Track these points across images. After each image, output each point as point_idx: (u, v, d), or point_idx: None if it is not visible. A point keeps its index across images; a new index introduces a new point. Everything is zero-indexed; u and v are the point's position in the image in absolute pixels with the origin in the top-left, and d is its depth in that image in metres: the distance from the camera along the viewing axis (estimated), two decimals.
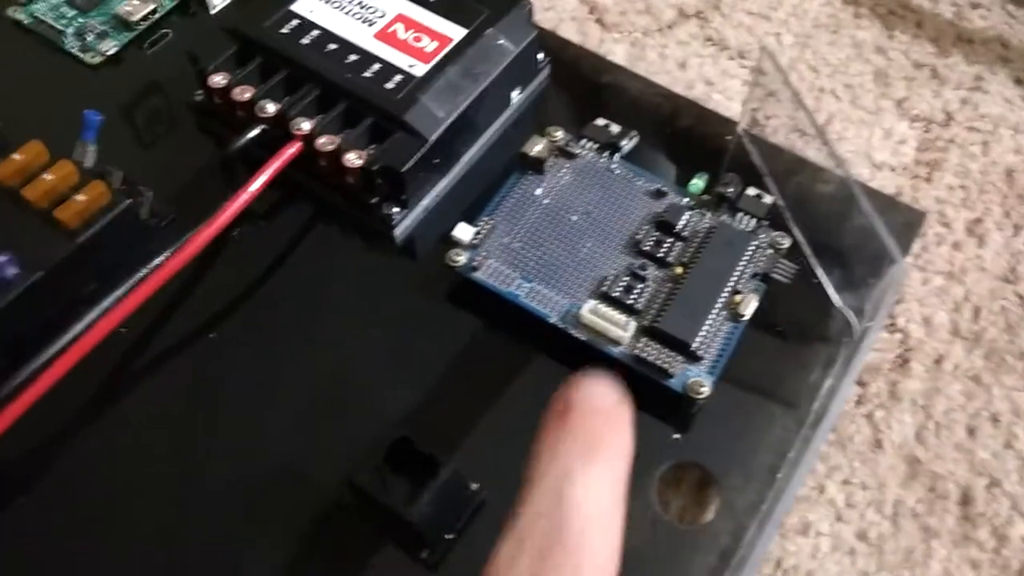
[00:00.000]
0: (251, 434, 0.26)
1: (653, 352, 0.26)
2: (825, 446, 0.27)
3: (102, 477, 0.25)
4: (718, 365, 0.26)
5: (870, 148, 0.34)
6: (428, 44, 0.31)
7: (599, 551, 0.18)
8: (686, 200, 0.30)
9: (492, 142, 0.32)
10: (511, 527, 0.18)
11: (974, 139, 0.34)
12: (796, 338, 0.28)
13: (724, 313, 0.27)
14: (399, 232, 0.30)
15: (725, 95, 0.36)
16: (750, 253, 0.28)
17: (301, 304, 0.29)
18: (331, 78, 0.30)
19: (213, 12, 0.36)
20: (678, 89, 0.35)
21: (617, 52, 0.37)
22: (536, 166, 0.30)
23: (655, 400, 0.26)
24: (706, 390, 0.25)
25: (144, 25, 0.35)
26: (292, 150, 0.29)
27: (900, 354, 0.29)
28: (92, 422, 0.26)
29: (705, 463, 0.26)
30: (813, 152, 0.30)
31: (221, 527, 0.25)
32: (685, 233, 0.29)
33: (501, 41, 0.31)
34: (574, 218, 0.29)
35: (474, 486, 0.24)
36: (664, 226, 0.29)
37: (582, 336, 0.27)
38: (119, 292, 0.28)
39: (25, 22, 0.35)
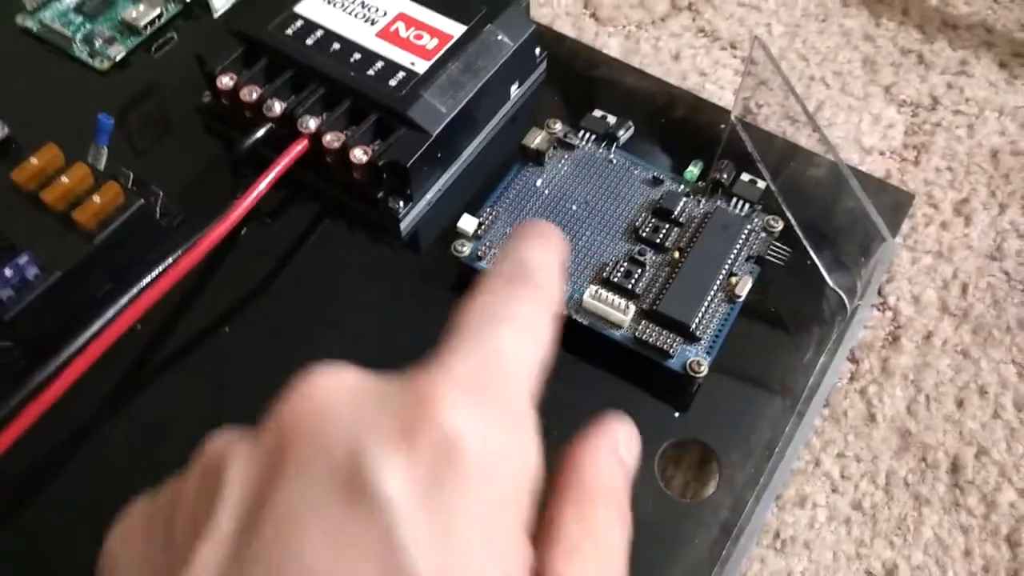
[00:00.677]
0: None
1: (653, 334, 0.27)
2: (820, 421, 0.28)
3: (119, 470, 0.26)
4: (716, 345, 0.27)
5: (859, 133, 0.35)
6: (429, 41, 0.31)
7: None
8: (682, 187, 0.31)
9: (492, 135, 0.33)
10: None
11: (960, 122, 0.35)
12: (790, 317, 0.29)
13: (721, 295, 0.28)
14: (404, 225, 0.31)
15: (718, 85, 0.37)
16: (745, 236, 0.29)
17: (311, 298, 0.30)
18: (336, 77, 0.30)
19: (216, 15, 0.36)
20: (672, 80, 0.36)
21: (612, 45, 0.38)
22: (536, 158, 0.31)
23: (656, 380, 0.27)
24: (705, 368, 0.26)
25: (150, 30, 0.36)
26: (299, 148, 0.30)
27: (891, 331, 0.30)
28: (109, 417, 0.27)
29: (705, 440, 0.27)
30: (804, 138, 0.31)
31: None
32: (682, 219, 0.30)
33: (500, 37, 0.32)
34: (574, 207, 0.30)
35: None
36: (661, 213, 0.30)
37: (584, 321, 0.28)
38: (134, 290, 0.29)
39: (34, 29, 0.36)
